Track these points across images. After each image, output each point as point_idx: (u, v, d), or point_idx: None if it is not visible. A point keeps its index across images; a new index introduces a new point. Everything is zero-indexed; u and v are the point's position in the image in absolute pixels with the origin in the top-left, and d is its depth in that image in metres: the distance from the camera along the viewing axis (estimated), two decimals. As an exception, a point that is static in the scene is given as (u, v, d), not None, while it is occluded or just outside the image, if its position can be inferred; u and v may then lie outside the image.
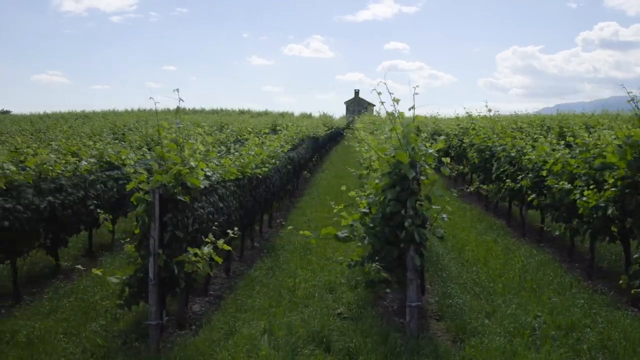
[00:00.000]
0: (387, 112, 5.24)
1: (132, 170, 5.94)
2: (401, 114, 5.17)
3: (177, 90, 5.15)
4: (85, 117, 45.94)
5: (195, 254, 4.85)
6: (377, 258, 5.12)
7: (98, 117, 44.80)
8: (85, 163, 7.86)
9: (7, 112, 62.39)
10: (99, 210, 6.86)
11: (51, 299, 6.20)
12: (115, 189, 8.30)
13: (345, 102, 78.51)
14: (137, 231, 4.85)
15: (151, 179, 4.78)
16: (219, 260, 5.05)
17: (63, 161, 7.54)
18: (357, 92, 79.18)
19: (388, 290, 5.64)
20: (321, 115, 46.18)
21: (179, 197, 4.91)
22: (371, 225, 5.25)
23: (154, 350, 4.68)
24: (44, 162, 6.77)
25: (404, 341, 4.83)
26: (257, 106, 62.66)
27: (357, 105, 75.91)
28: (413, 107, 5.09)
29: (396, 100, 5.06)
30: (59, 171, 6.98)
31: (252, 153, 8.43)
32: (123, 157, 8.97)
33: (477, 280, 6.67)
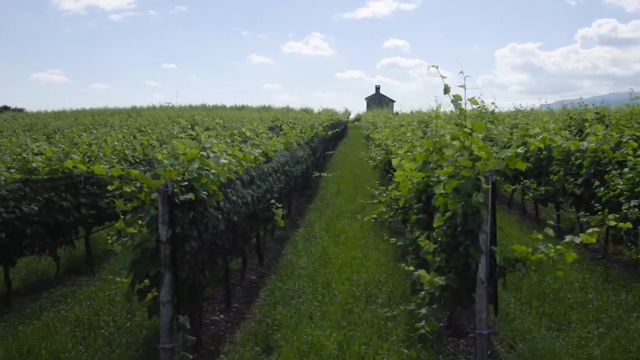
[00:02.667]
0: (458, 109, 4.26)
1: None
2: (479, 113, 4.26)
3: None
4: (117, 114, 45.30)
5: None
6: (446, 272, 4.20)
7: (131, 114, 44.27)
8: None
9: (21, 110, 62.69)
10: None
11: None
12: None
13: (366, 98, 77.41)
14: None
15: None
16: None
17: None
18: (377, 88, 78.10)
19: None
20: (323, 110, 44.87)
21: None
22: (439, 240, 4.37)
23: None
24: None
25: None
26: (258, 103, 63.25)
27: (378, 101, 74.71)
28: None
29: (473, 101, 4.17)
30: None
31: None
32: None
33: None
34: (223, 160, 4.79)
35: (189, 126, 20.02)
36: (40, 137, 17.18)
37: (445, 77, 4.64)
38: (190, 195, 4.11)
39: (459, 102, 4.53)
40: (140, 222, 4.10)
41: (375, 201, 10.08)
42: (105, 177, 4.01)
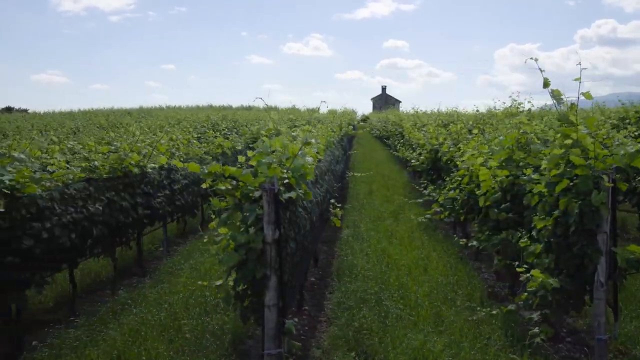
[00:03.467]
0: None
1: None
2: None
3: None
4: (127, 114, 45.01)
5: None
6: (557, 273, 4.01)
7: (142, 114, 43.98)
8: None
9: (24, 111, 62.46)
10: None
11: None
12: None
13: (372, 99, 77.22)
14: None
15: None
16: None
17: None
18: (384, 89, 77.96)
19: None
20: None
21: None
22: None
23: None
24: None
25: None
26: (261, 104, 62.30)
27: (384, 101, 74.55)
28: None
29: (587, 95, 3.99)
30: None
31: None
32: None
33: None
34: (309, 158, 4.61)
35: (210, 126, 19.88)
36: (62, 137, 16.99)
37: (543, 71, 4.47)
38: (292, 194, 3.93)
39: (561, 97, 4.35)
40: (237, 222, 3.92)
41: (420, 200, 9.91)
42: (201, 175, 3.85)
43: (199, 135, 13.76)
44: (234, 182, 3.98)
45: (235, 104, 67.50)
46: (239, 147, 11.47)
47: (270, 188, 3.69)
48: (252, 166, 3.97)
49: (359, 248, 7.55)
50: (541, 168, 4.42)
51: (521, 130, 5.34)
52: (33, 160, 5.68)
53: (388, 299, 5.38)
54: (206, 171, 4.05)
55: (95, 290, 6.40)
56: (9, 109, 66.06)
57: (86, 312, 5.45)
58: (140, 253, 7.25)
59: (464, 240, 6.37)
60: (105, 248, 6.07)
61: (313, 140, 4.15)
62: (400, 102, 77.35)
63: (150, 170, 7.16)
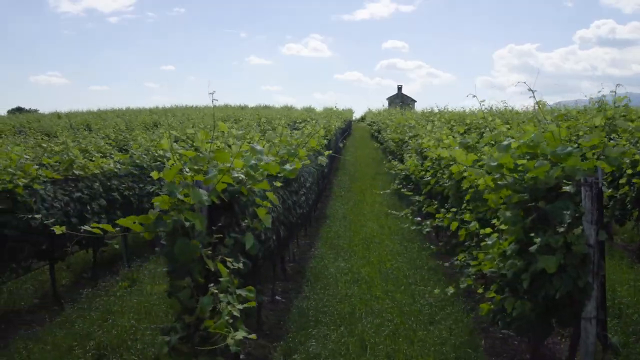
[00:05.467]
0: None
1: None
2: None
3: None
4: (148, 114, 44.44)
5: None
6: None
7: (166, 113, 43.47)
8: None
9: (35, 111, 61.83)
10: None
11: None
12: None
13: (387, 98, 76.52)
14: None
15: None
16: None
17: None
18: (399, 88, 77.24)
19: None
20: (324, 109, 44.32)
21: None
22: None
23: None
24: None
25: None
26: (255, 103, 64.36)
27: (400, 100, 73.97)
28: None
29: None
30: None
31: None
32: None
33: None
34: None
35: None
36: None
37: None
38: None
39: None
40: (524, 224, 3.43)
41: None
42: (487, 168, 3.42)
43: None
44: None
45: (251, 103, 67.17)
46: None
47: (594, 182, 3.20)
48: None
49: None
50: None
51: None
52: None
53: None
54: (495, 164, 3.57)
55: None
56: (19, 109, 65.63)
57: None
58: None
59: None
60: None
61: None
62: (415, 101, 76.80)
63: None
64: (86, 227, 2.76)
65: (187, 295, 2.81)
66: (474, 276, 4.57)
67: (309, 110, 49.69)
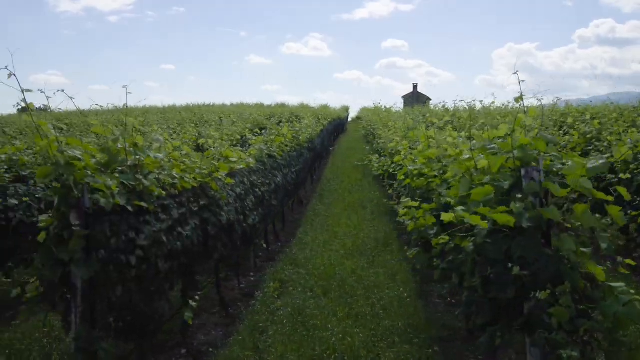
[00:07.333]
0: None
1: None
2: None
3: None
4: (170, 111, 44.12)
5: None
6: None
7: (185, 110, 43.25)
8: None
9: (45, 110, 61.65)
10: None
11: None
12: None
13: (403, 97, 76.17)
14: None
15: None
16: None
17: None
18: (415, 86, 76.75)
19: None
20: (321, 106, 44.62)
21: None
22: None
23: None
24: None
25: None
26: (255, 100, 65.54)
27: (416, 99, 73.65)
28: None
29: None
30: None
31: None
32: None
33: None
34: None
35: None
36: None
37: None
38: None
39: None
40: None
41: None
42: None
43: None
44: None
45: (267, 102, 67.14)
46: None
47: None
48: None
49: None
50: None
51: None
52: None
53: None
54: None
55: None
56: (24, 109, 65.66)
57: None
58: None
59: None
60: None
61: None
62: (430, 99, 76.37)
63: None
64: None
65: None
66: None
67: (304, 107, 49.67)
